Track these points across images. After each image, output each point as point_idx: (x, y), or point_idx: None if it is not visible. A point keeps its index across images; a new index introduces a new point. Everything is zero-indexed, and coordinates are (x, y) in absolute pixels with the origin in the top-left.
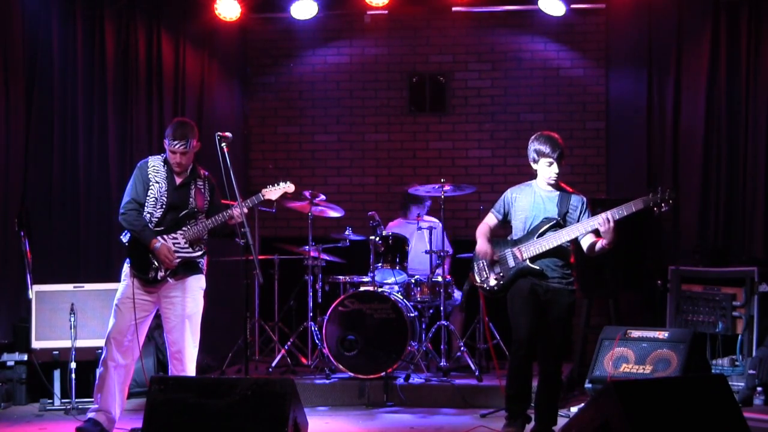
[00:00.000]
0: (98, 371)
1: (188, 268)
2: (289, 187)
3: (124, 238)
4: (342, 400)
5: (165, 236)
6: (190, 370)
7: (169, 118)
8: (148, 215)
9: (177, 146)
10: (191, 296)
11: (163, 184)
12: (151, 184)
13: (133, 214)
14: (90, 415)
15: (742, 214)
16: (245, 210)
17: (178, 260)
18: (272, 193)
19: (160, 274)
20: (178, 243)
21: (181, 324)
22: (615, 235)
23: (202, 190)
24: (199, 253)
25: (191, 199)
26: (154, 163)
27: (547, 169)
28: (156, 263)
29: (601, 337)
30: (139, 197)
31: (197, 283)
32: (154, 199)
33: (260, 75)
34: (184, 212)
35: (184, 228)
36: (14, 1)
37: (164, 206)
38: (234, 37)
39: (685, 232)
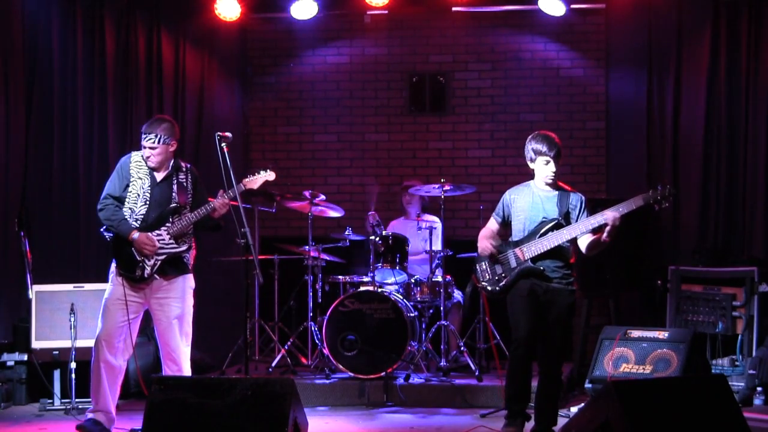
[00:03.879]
0: (91, 373)
1: (175, 266)
2: (269, 176)
3: (106, 232)
4: (342, 400)
5: (149, 233)
6: (186, 369)
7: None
8: (129, 211)
9: (145, 140)
10: (181, 297)
11: (146, 180)
12: (132, 180)
13: (111, 208)
14: (89, 415)
15: (742, 214)
16: (227, 200)
17: (161, 253)
18: (253, 182)
19: (147, 271)
20: (163, 239)
21: (172, 325)
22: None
23: (185, 184)
24: (185, 247)
25: (174, 194)
26: (137, 158)
27: (544, 168)
28: (140, 260)
29: (601, 337)
30: (115, 192)
31: (186, 283)
32: (136, 194)
33: (260, 75)
34: (167, 209)
35: (167, 224)
36: (14, 1)
37: (147, 202)
38: (234, 37)
39: (685, 232)
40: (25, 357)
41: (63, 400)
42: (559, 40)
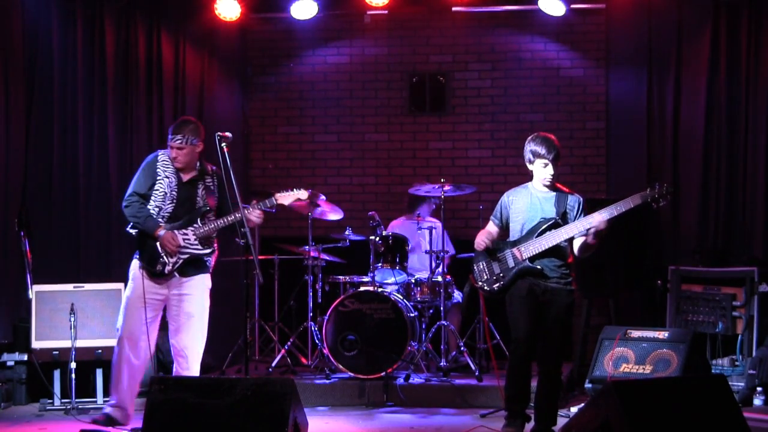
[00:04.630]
0: (113, 371)
1: (196, 266)
2: (302, 194)
3: (132, 230)
4: (342, 400)
5: (176, 232)
6: (195, 369)
7: (170, 118)
8: (158, 209)
9: (172, 140)
10: (199, 295)
11: (173, 179)
12: (159, 178)
13: (136, 205)
14: (106, 410)
15: (742, 214)
16: (259, 212)
17: (184, 252)
18: (285, 198)
19: (167, 267)
20: (188, 239)
21: (188, 323)
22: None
23: (212, 188)
24: (208, 251)
25: (199, 198)
26: (164, 157)
27: (542, 170)
28: (163, 255)
29: (601, 337)
30: (141, 190)
31: (204, 282)
32: (163, 193)
33: (260, 75)
34: (195, 210)
35: (195, 225)
36: (14, 1)
37: (174, 201)
38: (234, 37)
39: (685, 232)
40: (25, 357)
41: (63, 400)
42: (559, 40)
